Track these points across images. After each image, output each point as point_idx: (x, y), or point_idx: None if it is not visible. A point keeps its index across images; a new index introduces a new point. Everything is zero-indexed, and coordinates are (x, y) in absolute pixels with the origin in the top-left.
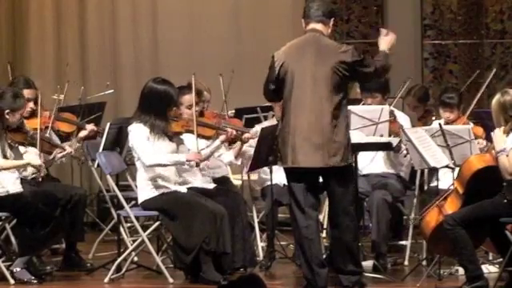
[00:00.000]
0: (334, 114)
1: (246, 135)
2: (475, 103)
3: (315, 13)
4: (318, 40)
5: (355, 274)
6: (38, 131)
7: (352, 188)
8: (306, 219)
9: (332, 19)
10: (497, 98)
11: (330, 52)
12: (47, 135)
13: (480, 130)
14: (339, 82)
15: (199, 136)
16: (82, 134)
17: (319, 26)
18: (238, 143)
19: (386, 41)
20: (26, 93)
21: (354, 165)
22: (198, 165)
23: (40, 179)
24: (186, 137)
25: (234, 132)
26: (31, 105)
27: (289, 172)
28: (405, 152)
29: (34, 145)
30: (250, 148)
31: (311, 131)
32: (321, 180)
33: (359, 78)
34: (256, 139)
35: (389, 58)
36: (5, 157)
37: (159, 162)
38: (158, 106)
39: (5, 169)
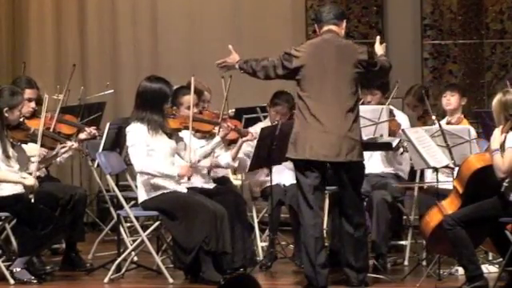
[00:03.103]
0: (352, 109)
1: (246, 136)
2: (477, 106)
3: (327, 16)
4: (338, 39)
5: (363, 271)
6: (41, 128)
7: (361, 185)
8: (314, 217)
9: (344, 21)
10: (498, 97)
11: (349, 51)
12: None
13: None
14: (357, 78)
15: (197, 132)
16: (82, 136)
17: (334, 28)
18: (237, 143)
19: (382, 47)
20: (28, 93)
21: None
22: (189, 178)
23: (32, 199)
24: (184, 134)
25: (233, 126)
26: (33, 105)
27: (301, 166)
28: (401, 150)
29: (35, 141)
30: (249, 151)
31: (330, 126)
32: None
33: (368, 77)
34: (255, 140)
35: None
36: (7, 156)
37: (148, 171)
38: (153, 103)
39: None
